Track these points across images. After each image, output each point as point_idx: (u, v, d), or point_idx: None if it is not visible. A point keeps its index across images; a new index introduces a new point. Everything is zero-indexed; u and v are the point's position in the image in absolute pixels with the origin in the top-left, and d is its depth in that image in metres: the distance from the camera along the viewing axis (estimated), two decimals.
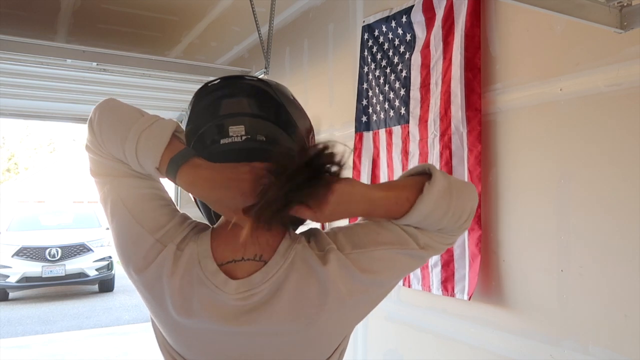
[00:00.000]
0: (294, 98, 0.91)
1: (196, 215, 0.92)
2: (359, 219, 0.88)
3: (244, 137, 0.81)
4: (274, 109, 0.85)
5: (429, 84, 2.22)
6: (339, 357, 0.90)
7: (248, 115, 0.83)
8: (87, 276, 8.75)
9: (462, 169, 2.02)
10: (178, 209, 0.88)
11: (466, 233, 1.98)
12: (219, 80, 0.87)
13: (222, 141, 0.81)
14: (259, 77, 0.88)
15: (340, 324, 0.85)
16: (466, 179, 2.00)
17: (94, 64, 2.64)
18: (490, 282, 1.95)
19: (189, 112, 0.87)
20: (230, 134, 0.81)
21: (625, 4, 1.49)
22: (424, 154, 2.20)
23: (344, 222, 0.88)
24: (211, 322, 0.78)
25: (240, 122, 0.82)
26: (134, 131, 0.79)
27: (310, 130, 0.92)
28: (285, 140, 0.84)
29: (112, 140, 0.81)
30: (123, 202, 0.82)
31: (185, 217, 0.87)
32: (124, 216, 0.82)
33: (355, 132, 2.65)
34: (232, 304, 0.78)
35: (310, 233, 0.87)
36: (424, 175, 0.84)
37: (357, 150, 2.62)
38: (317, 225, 0.86)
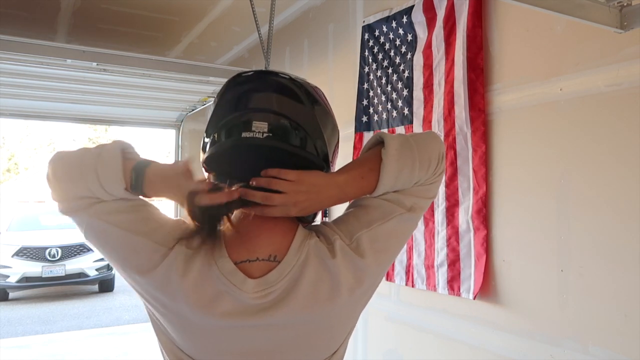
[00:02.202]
0: (323, 101, 0.90)
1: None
2: (347, 208, 0.91)
3: (265, 135, 0.81)
4: (301, 110, 0.85)
5: (432, 84, 2.22)
6: (345, 351, 0.92)
7: (274, 112, 0.82)
8: (87, 276, 8.74)
9: (467, 169, 2.02)
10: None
11: (472, 233, 1.99)
12: (252, 73, 0.87)
13: (244, 134, 0.81)
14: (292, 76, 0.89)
15: (352, 312, 0.88)
16: (471, 179, 2.00)
17: (94, 64, 2.64)
18: (490, 282, 1.95)
19: (217, 99, 0.87)
20: (253, 128, 0.81)
21: (625, 4, 1.49)
22: None
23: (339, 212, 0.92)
24: (227, 319, 0.79)
25: (265, 119, 0.81)
26: (89, 168, 0.80)
27: (335, 135, 0.93)
28: (308, 144, 0.84)
29: (73, 184, 0.82)
30: (107, 222, 0.82)
31: (180, 221, 0.87)
32: (114, 232, 0.82)
33: (355, 132, 2.65)
34: (250, 302, 0.79)
35: (319, 228, 0.89)
36: (379, 144, 0.88)
37: (357, 150, 2.63)
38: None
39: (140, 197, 0.85)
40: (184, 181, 0.80)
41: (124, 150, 0.84)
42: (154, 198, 0.85)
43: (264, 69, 0.89)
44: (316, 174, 0.84)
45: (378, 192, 0.86)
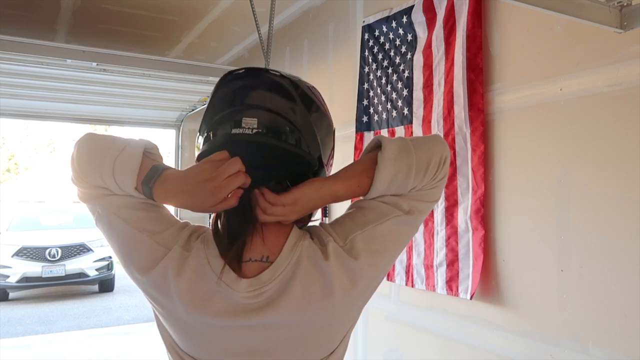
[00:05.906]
0: (318, 100, 0.90)
1: (193, 216, 0.93)
2: (347, 210, 0.92)
3: (254, 130, 0.80)
4: (291, 107, 0.84)
5: (432, 84, 2.22)
6: (344, 351, 0.92)
7: (264, 109, 0.82)
8: (87, 276, 8.74)
9: (466, 169, 2.02)
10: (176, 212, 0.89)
11: (471, 233, 1.99)
12: (242, 70, 0.87)
13: (234, 131, 0.81)
14: (283, 73, 0.89)
15: (347, 314, 0.87)
16: (470, 179, 2.00)
17: (94, 64, 2.64)
18: (490, 282, 1.95)
19: (210, 97, 0.88)
20: (243, 125, 0.81)
21: (625, 4, 1.49)
22: None
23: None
24: (221, 318, 0.80)
25: (255, 115, 0.81)
26: (108, 160, 0.81)
27: (330, 135, 0.92)
28: (298, 141, 0.84)
29: (91, 172, 0.83)
30: (117, 215, 0.84)
31: (185, 224, 0.88)
32: (120, 227, 0.84)
33: (356, 132, 2.65)
34: (243, 302, 0.80)
35: (314, 229, 0.89)
36: (378, 148, 0.88)
37: (358, 150, 2.62)
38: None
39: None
40: (199, 193, 0.80)
41: (146, 150, 0.85)
42: (161, 204, 0.86)
43: (256, 66, 0.89)
44: (309, 189, 0.84)
45: (371, 195, 0.87)
